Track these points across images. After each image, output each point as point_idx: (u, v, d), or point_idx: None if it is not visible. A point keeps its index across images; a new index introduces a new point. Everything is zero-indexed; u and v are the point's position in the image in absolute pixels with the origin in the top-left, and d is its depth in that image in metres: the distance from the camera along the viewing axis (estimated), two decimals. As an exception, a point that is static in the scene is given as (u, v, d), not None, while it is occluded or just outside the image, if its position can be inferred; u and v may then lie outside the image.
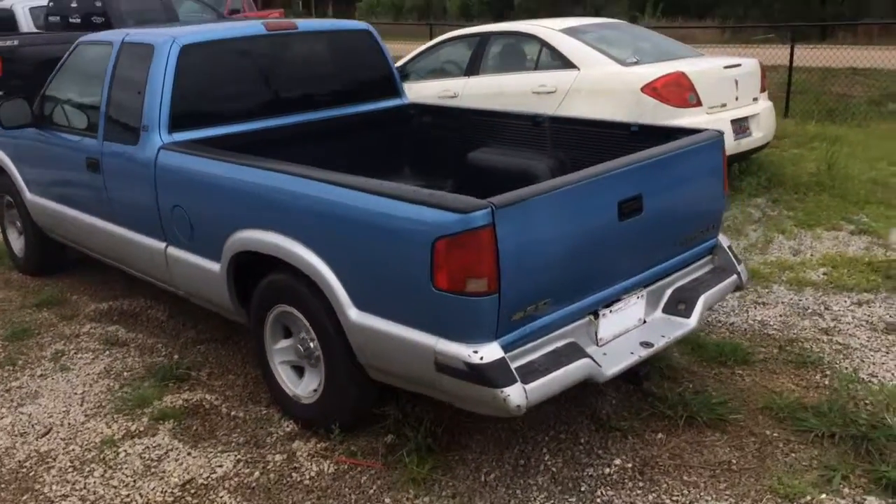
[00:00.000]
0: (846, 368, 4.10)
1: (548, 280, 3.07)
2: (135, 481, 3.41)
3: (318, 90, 4.93)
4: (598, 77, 7.13)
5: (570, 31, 7.55)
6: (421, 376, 3.10)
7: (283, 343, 3.80)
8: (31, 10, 13.72)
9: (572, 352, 3.17)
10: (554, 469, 3.39)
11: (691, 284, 3.77)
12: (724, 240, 4.01)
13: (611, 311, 3.42)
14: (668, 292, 3.71)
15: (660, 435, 3.61)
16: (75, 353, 4.68)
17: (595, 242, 3.23)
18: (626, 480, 3.29)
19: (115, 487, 3.37)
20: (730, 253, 3.96)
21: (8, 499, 3.33)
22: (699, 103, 6.90)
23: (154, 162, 4.14)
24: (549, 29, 7.65)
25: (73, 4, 13.34)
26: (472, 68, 8.06)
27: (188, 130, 4.27)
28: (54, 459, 3.59)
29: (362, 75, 5.17)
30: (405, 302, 3.06)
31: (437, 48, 8.62)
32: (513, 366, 2.98)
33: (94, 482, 3.41)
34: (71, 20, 13.00)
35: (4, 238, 6.22)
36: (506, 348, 2.97)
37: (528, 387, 2.94)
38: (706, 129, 3.93)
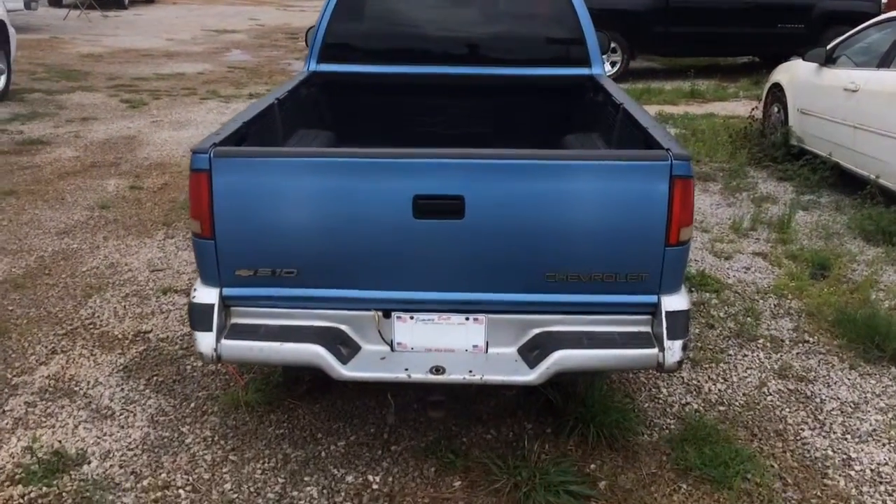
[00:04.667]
0: None
1: (289, 250, 2.92)
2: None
3: (485, 46, 4.87)
4: None
5: None
6: None
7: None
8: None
9: (318, 336, 2.97)
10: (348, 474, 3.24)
11: (566, 335, 2.97)
12: (673, 303, 2.95)
13: (413, 319, 3.01)
14: (533, 332, 3.01)
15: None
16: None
17: (372, 232, 2.89)
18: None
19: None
20: (664, 321, 2.92)
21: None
22: None
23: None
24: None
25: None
26: (887, 59, 6.39)
27: (334, 63, 4.80)
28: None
29: (545, 38, 4.87)
30: None
31: (869, 32, 6.98)
32: (232, 320, 3.01)
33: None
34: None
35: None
36: (229, 300, 3.00)
37: (223, 342, 2.95)
38: (651, 150, 2.92)
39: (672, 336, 2.89)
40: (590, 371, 3.25)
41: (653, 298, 2.94)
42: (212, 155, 2.83)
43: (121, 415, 3.46)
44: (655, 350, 2.90)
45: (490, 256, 2.89)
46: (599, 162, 2.84)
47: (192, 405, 3.54)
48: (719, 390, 3.76)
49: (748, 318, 4.47)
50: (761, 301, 4.73)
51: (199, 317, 2.97)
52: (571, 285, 2.92)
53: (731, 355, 4.08)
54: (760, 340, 4.24)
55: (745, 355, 4.10)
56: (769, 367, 3.98)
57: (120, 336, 4.15)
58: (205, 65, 13.68)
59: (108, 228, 5.71)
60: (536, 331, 2.99)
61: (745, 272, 5.14)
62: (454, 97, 4.83)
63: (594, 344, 2.92)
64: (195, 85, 11.69)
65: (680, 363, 2.91)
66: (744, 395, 3.74)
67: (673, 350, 2.89)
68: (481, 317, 2.98)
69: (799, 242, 5.68)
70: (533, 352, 2.96)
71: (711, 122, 9.33)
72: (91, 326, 4.24)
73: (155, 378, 3.76)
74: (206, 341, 2.94)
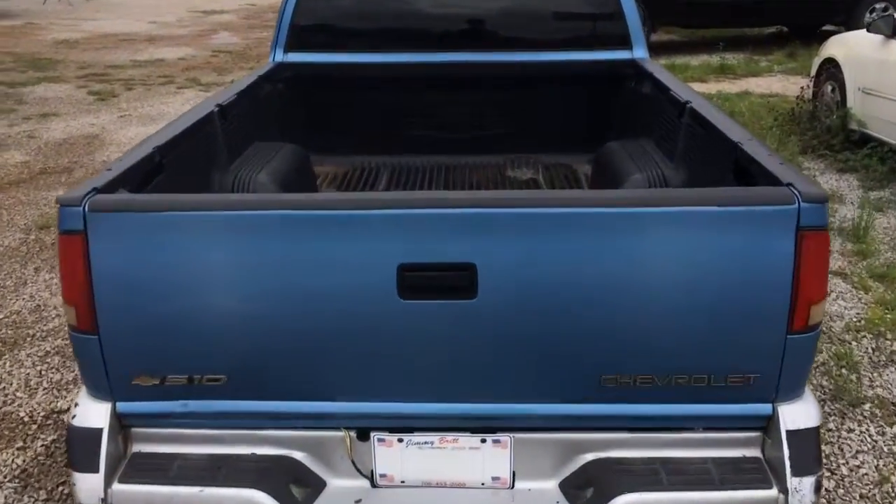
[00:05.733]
0: None
1: (212, 348, 1.93)
2: None
3: (497, 26, 3.84)
4: None
5: None
6: None
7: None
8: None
9: (259, 473, 1.98)
10: None
11: (634, 465, 1.97)
12: (797, 416, 1.94)
13: (403, 442, 2.02)
14: (584, 459, 2.01)
15: None
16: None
17: (337, 320, 1.89)
18: None
19: None
20: (785, 445, 1.91)
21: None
22: None
23: None
24: None
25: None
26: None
27: (306, 52, 3.77)
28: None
29: (573, 13, 3.81)
30: None
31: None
32: (133, 447, 2.04)
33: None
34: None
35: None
36: (126, 419, 2.01)
37: (116, 487, 1.96)
38: (765, 189, 1.90)
39: (799, 469, 1.89)
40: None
41: (766, 409, 1.95)
42: (86, 209, 1.82)
43: (0, 559, 2.48)
44: (774, 492, 1.89)
45: (517, 352, 1.90)
46: (685, 209, 1.81)
47: (104, 537, 2.54)
48: (827, 490, 2.76)
49: (843, 370, 3.46)
50: (854, 343, 3.70)
51: (79, 448, 1.98)
52: (641, 392, 1.92)
53: (832, 431, 3.07)
54: (867, 406, 3.23)
55: (852, 430, 3.09)
56: (885, 448, 2.98)
57: (26, 418, 3.17)
58: (187, 49, 12.62)
59: (43, 256, 4.72)
60: (589, 457, 2.01)
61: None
62: (459, 92, 3.80)
63: (679, 481, 1.92)
64: (174, 72, 10.66)
65: (814, 509, 1.90)
66: (861, 496, 2.73)
67: (802, 492, 1.88)
68: (505, 438, 2.00)
69: (882, 255, 4.65)
70: (584, 490, 1.97)
71: (750, 103, 8.27)
72: (-9, 405, 3.25)
73: (60, 490, 2.77)
74: (88, 486, 1.95)
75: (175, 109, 8.46)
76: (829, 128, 6.69)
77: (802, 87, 7.47)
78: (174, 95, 9.26)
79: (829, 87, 6.99)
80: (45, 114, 8.27)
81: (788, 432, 1.91)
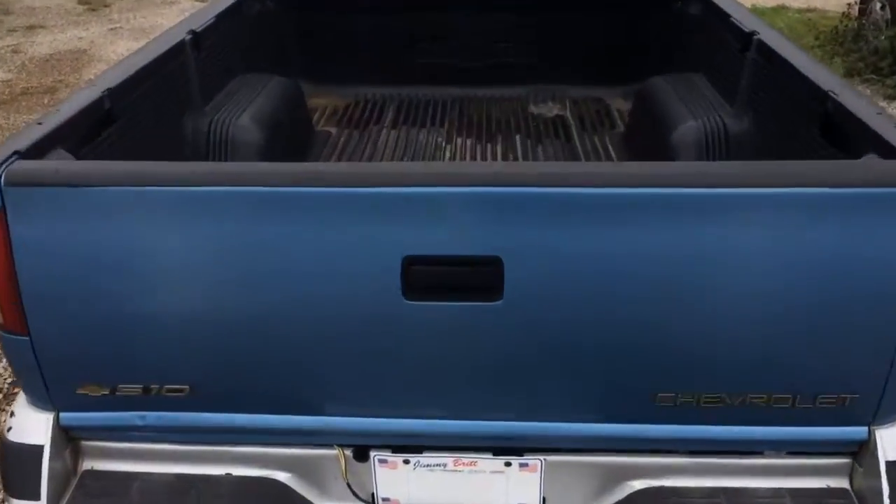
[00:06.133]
0: None
1: (172, 353, 1.55)
2: None
3: None
4: None
5: None
6: None
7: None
8: None
9: (234, 499, 1.64)
10: None
11: (692, 497, 1.61)
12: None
13: (410, 464, 1.67)
14: (632, 487, 1.66)
15: None
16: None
17: (327, 323, 1.50)
18: None
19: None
20: (884, 476, 1.54)
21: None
22: None
23: None
24: None
25: None
26: None
27: None
28: None
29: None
30: None
31: None
32: (84, 464, 1.70)
33: None
34: None
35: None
36: (74, 431, 1.66)
37: (63, 517, 1.62)
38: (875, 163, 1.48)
39: (899, 509, 1.52)
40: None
41: (860, 433, 1.57)
42: (2, 181, 1.41)
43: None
44: (868, 541, 1.53)
45: (550, 365, 1.52)
46: (773, 191, 1.39)
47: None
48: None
49: None
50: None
51: (16, 469, 1.64)
52: (705, 412, 1.54)
53: None
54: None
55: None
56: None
57: (-9, 386, 2.84)
58: (185, -47, 11.89)
59: (19, 191, 4.32)
60: (637, 485, 1.66)
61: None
62: (475, 13, 3.30)
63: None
64: (170, -21, 10.00)
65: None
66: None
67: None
68: (534, 461, 1.63)
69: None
70: (636, 522, 1.61)
71: (788, 19, 7.65)
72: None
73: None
74: (27, 518, 1.61)
75: (170, 22, 7.89)
76: (876, 49, 6.20)
77: (849, 4, 6.87)
78: (169, 6, 8.67)
79: (878, 4, 6.46)
80: (32, 25, 7.74)
81: (888, 463, 1.54)
